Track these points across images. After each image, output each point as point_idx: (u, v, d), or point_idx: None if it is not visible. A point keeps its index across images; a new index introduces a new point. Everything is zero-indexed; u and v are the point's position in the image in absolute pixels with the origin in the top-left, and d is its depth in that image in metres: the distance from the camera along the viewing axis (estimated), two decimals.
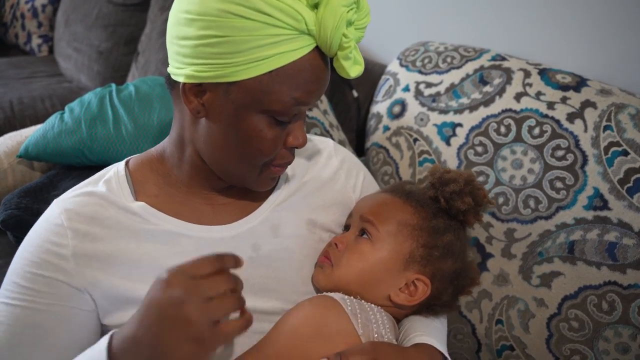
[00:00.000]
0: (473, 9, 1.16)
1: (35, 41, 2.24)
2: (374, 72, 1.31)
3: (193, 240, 0.64)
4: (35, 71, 2.03)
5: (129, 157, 0.71)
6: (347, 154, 0.82)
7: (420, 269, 0.69)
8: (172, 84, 0.63)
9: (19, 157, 1.07)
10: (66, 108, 1.07)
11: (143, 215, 0.64)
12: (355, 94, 1.33)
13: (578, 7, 0.98)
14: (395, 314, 0.70)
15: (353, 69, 0.58)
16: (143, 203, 0.64)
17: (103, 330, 0.64)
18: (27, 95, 1.80)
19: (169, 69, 0.61)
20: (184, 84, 0.57)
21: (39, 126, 1.13)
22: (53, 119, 1.06)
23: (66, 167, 1.07)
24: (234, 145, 0.60)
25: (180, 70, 0.58)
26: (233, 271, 0.52)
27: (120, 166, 0.69)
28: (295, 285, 0.69)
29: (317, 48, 0.57)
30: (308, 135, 0.74)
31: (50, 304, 0.60)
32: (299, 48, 0.55)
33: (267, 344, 0.62)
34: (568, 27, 1.00)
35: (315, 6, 0.54)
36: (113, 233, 0.63)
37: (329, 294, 0.66)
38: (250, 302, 0.56)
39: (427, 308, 0.70)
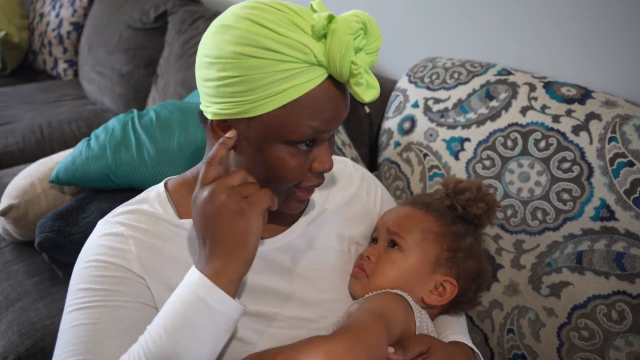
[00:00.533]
0: (481, 24, 1.18)
1: (61, 66, 2.35)
2: (385, 88, 1.34)
3: None
4: (62, 95, 2.13)
5: (166, 179, 0.75)
6: (364, 171, 0.87)
7: (447, 271, 0.76)
8: (204, 119, 0.67)
9: (51, 182, 1.14)
10: (92, 135, 1.13)
11: (190, 230, 0.68)
12: (367, 110, 1.36)
13: (583, 20, 0.99)
14: (429, 315, 0.76)
15: (367, 94, 0.59)
16: (188, 220, 0.68)
17: None
18: (55, 118, 1.90)
19: (201, 106, 0.65)
20: (212, 120, 0.62)
21: (68, 151, 1.20)
22: (80, 146, 1.12)
23: (94, 191, 1.14)
24: (260, 173, 0.63)
25: (208, 108, 0.62)
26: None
27: (160, 188, 0.73)
28: (330, 294, 0.74)
29: (330, 77, 0.58)
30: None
31: (126, 301, 0.63)
32: (311, 79, 0.57)
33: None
34: (574, 39, 1.02)
35: (322, 37, 0.57)
36: (168, 244, 0.67)
37: (392, 290, 0.72)
38: (290, 312, 0.66)
39: (454, 306, 0.79)
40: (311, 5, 0.60)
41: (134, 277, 0.65)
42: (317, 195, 0.78)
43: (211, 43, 0.59)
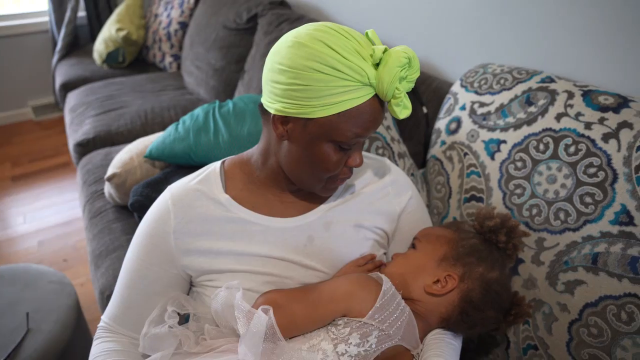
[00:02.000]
0: (536, 32, 1.23)
1: (168, 59, 2.68)
2: (443, 91, 1.43)
3: (261, 227, 0.85)
4: (166, 85, 2.43)
5: (225, 158, 0.93)
6: (399, 174, 0.97)
7: (450, 268, 0.84)
8: (264, 111, 0.79)
9: (145, 157, 1.38)
10: (180, 120, 1.35)
11: (226, 205, 0.85)
12: (425, 110, 1.45)
13: (632, 31, 1.01)
14: (429, 313, 0.83)
15: (402, 113, 0.73)
16: (228, 196, 0.86)
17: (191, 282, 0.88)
18: (158, 105, 2.19)
19: (262, 100, 0.78)
20: (274, 115, 0.75)
21: (161, 133, 1.43)
22: (170, 129, 1.34)
23: (178, 166, 1.36)
24: (307, 163, 0.78)
25: (271, 104, 0.74)
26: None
27: (217, 164, 0.90)
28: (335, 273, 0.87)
29: (375, 96, 0.72)
30: (369, 154, 0.97)
31: (154, 263, 0.85)
32: (362, 96, 0.71)
33: (313, 288, 0.80)
34: (625, 47, 1.04)
35: (376, 65, 0.71)
36: (203, 217, 0.84)
37: (372, 274, 0.83)
38: (300, 277, 0.82)
39: (464, 315, 0.83)
40: (366, 33, 0.75)
41: (165, 248, 0.84)
42: (343, 186, 0.91)
43: (286, 54, 0.71)
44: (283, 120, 0.75)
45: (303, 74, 0.69)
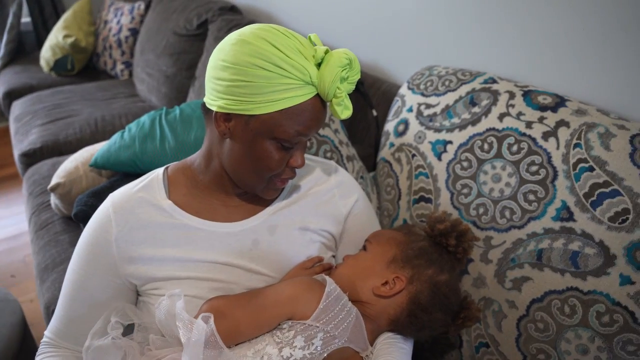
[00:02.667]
0: (480, 35, 1.26)
1: (119, 67, 2.61)
2: (392, 94, 1.44)
3: (205, 233, 0.83)
4: (117, 92, 2.37)
5: (169, 164, 0.91)
6: (345, 177, 0.97)
7: (399, 270, 0.84)
8: (206, 110, 0.79)
9: (91, 166, 1.33)
10: (126, 127, 1.31)
11: (169, 211, 0.83)
12: (374, 113, 1.46)
13: (572, 32, 1.05)
14: (378, 315, 0.83)
15: (343, 113, 0.75)
16: (171, 202, 0.83)
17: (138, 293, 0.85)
18: (109, 113, 2.13)
19: (205, 99, 0.78)
20: (216, 112, 0.75)
21: (107, 141, 1.38)
22: (116, 136, 1.30)
23: (124, 175, 1.32)
24: (249, 161, 0.77)
25: (214, 101, 0.74)
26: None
27: (160, 171, 0.88)
28: (281, 276, 0.86)
29: (317, 95, 0.74)
30: (315, 158, 0.97)
31: (96, 274, 0.82)
32: (304, 94, 0.72)
33: (257, 293, 0.78)
34: (562, 50, 1.08)
35: (319, 65, 0.72)
36: (145, 224, 0.82)
37: (325, 276, 0.81)
38: (246, 282, 0.81)
39: (412, 318, 0.83)
40: (309, 37, 0.76)
41: (107, 257, 0.81)
42: (288, 189, 0.90)
43: (229, 51, 0.71)
44: (225, 117, 0.75)
45: (246, 70, 0.69)
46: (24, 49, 3.03)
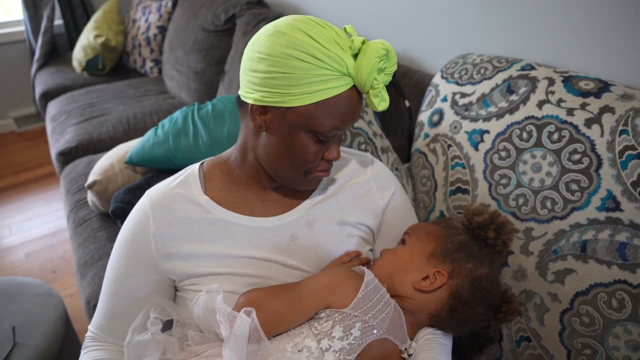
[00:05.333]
0: (516, 21, 1.22)
1: (148, 65, 2.64)
2: (424, 84, 1.41)
3: (242, 227, 0.83)
4: (148, 90, 2.40)
5: (204, 160, 0.91)
6: (382, 169, 0.95)
7: (439, 264, 0.83)
8: (241, 103, 0.78)
9: (126, 163, 1.35)
10: (159, 124, 1.33)
11: (206, 207, 0.83)
12: (407, 103, 1.44)
13: (613, 15, 1.00)
14: (418, 310, 0.82)
15: (380, 105, 0.74)
16: (207, 197, 0.83)
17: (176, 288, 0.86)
18: (140, 111, 2.16)
19: (240, 92, 0.78)
20: (252, 105, 0.74)
21: (141, 138, 1.40)
22: (150, 133, 1.32)
23: (159, 171, 1.33)
24: (285, 154, 0.76)
25: (249, 94, 0.74)
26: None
27: (196, 166, 0.89)
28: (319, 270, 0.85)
29: (354, 87, 0.72)
30: (350, 150, 0.96)
31: (135, 270, 0.83)
32: (340, 86, 0.71)
33: (294, 284, 0.78)
34: (604, 33, 1.03)
35: (355, 56, 0.71)
36: (182, 220, 0.82)
37: (354, 268, 0.81)
38: (283, 278, 0.80)
39: (454, 313, 0.81)
40: (344, 28, 0.75)
41: (147, 253, 0.82)
42: (325, 183, 0.89)
43: (265, 42, 0.70)
44: (261, 110, 0.74)
45: (282, 62, 0.68)
46: (57, 51, 3.10)
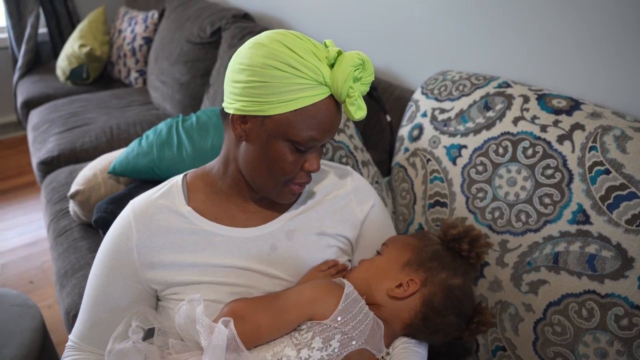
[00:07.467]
0: (492, 39, 1.26)
1: (133, 75, 2.64)
2: (405, 99, 1.45)
3: (224, 238, 0.84)
4: (132, 100, 2.40)
5: (187, 171, 0.93)
6: (361, 182, 0.98)
7: (413, 272, 0.85)
8: (224, 115, 0.81)
9: (109, 173, 1.35)
10: (144, 135, 1.34)
11: (189, 217, 0.84)
12: (388, 118, 1.47)
13: (585, 34, 1.05)
14: (393, 318, 0.84)
15: (357, 113, 0.75)
16: (190, 208, 0.85)
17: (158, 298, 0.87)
18: (124, 121, 2.16)
19: (223, 104, 0.80)
20: (233, 114, 0.76)
21: (125, 149, 1.40)
22: (134, 144, 1.32)
23: (143, 181, 1.34)
24: (264, 163, 0.78)
25: (231, 104, 0.76)
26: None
27: (179, 177, 0.90)
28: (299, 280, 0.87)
29: (331, 96, 0.75)
30: (330, 163, 0.98)
31: (118, 279, 0.84)
32: (317, 95, 0.73)
33: (277, 296, 0.80)
34: (575, 54, 1.08)
35: (331, 65, 0.73)
36: (165, 230, 0.83)
37: (344, 280, 0.83)
38: (264, 287, 0.82)
39: (425, 321, 0.84)
40: (325, 42, 0.77)
41: (129, 263, 0.83)
42: (305, 195, 0.92)
43: (245, 54, 0.74)
44: (242, 119, 0.76)
45: (261, 71, 0.71)
46: (40, 59, 3.08)
